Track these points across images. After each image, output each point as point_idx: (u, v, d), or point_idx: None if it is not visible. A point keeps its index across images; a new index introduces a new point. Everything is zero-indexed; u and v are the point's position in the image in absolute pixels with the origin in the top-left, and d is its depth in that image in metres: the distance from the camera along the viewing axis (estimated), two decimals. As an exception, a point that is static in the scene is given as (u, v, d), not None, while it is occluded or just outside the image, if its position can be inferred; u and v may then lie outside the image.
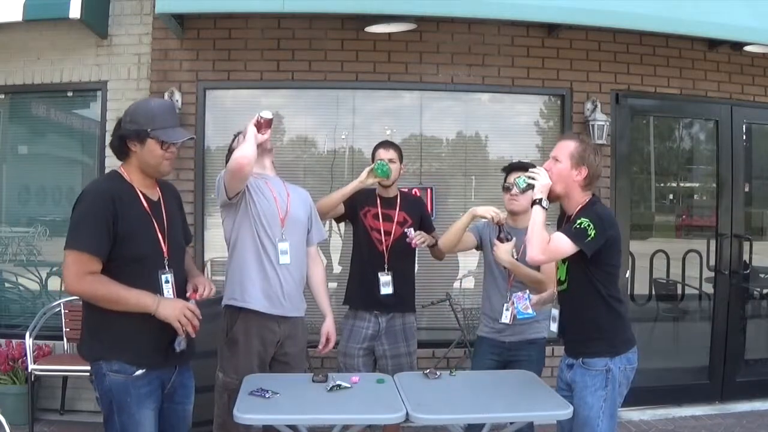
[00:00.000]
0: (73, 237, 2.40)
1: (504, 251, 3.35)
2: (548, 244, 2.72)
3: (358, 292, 3.78)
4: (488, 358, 3.60)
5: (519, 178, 2.93)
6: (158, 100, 2.63)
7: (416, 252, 3.83)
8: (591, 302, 2.79)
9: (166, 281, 2.52)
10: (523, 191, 2.96)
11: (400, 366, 3.69)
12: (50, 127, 5.23)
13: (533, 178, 2.84)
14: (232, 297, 3.26)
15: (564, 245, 2.71)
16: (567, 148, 2.85)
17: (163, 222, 2.56)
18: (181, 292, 2.59)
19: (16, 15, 4.32)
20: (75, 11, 4.33)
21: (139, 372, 2.45)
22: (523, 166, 3.61)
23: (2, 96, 5.12)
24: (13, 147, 5.25)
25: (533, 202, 2.82)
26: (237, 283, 3.25)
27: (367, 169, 3.66)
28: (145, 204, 2.53)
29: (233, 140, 3.41)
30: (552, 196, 2.86)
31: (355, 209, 3.77)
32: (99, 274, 2.39)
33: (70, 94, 5.10)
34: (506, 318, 3.48)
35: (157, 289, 2.49)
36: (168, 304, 2.45)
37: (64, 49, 4.86)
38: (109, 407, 2.47)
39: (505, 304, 3.51)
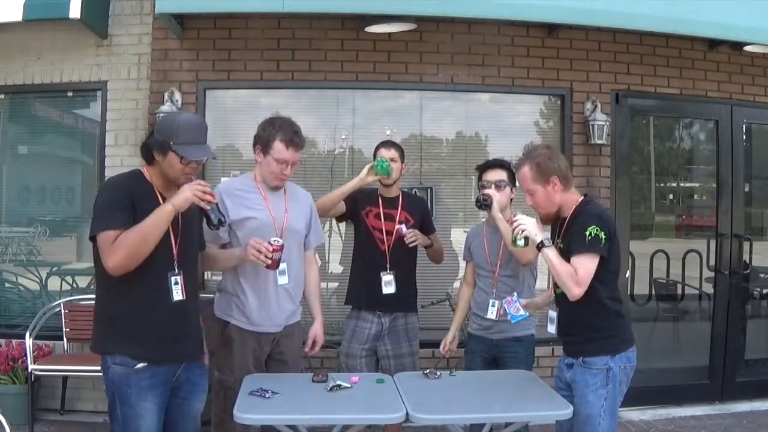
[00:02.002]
0: (96, 223, 2.47)
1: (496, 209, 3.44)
2: (578, 275, 2.70)
3: (360, 292, 3.78)
4: (477, 355, 3.64)
5: (517, 243, 2.88)
6: (187, 115, 2.65)
7: (417, 251, 3.83)
8: (591, 302, 2.78)
9: (176, 282, 2.57)
10: (527, 245, 2.90)
11: (402, 366, 3.68)
12: (50, 127, 5.23)
13: (522, 230, 2.82)
14: (228, 314, 3.23)
15: (589, 265, 2.71)
16: (526, 176, 2.86)
17: (178, 223, 2.60)
18: (190, 295, 2.62)
19: (16, 15, 4.32)
20: (75, 11, 4.33)
21: (141, 365, 2.49)
22: (499, 164, 3.63)
23: (2, 96, 5.12)
24: (13, 147, 5.24)
25: (538, 247, 2.81)
26: (233, 304, 3.21)
27: (368, 166, 3.64)
28: (162, 203, 2.57)
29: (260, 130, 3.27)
30: (551, 218, 2.90)
31: (356, 209, 3.76)
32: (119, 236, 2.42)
33: (70, 94, 5.10)
34: (492, 314, 3.52)
35: (166, 289, 2.54)
36: (177, 195, 2.52)
37: (64, 49, 4.86)
38: (112, 398, 2.54)
39: (491, 300, 3.54)
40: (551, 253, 2.77)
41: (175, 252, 2.57)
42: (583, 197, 2.89)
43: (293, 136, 3.17)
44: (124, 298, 2.51)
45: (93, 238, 2.48)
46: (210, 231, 3.21)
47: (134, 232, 2.42)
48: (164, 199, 2.59)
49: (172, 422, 2.66)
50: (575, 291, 2.71)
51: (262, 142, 3.21)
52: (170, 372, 2.60)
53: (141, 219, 2.46)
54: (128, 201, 2.47)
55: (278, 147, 3.15)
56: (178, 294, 2.57)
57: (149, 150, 2.58)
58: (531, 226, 2.81)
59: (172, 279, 2.56)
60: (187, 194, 2.51)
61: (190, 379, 2.69)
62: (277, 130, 3.17)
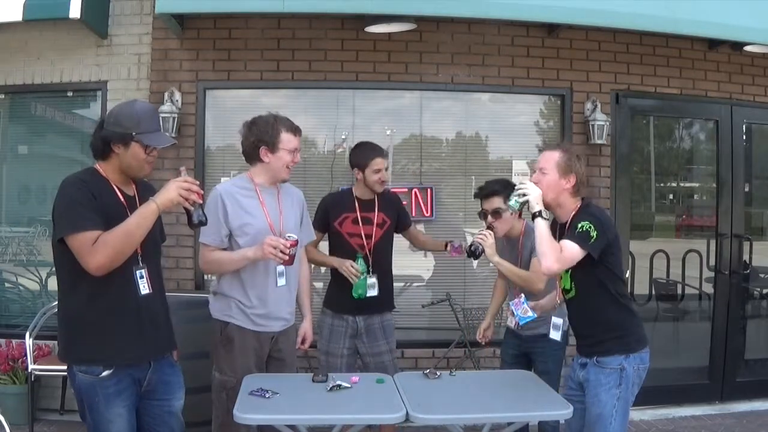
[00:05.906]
0: (66, 224, 2.40)
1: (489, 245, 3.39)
2: (562, 253, 2.70)
3: (339, 297, 3.76)
4: (510, 347, 3.74)
5: (510, 201, 2.88)
6: (142, 104, 2.62)
7: (392, 247, 3.84)
8: (602, 303, 2.80)
9: (141, 276, 2.55)
10: (520, 210, 2.92)
11: (382, 364, 3.70)
12: (50, 127, 5.22)
13: (524, 194, 2.82)
14: (228, 314, 3.23)
15: (574, 251, 2.71)
16: (552, 158, 2.85)
17: None
18: (156, 288, 2.60)
19: (16, 15, 4.32)
20: (75, 11, 4.32)
21: (106, 373, 2.47)
22: (494, 191, 3.62)
23: (2, 96, 5.12)
24: (13, 147, 5.24)
25: (533, 216, 2.80)
26: (234, 304, 3.21)
27: (349, 268, 3.61)
28: (121, 197, 2.56)
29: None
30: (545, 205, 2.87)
31: (327, 221, 3.75)
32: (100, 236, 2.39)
33: (70, 94, 5.09)
34: (510, 323, 3.51)
35: (132, 283, 2.52)
36: (161, 193, 2.47)
37: (64, 49, 4.86)
38: (81, 405, 2.53)
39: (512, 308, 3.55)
40: (545, 225, 2.75)
41: (138, 246, 2.53)
42: (581, 201, 2.88)
43: (293, 123, 3.27)
44: (93, 300, 2.48)
45: (61, 240, 2.41)
46: (213, 236, 3.22)
47: (118, 231, 2.39)
48: (123, 195, 2.56)
49: (157, 424, 2.63)
50: (554, 266, 2.69)
51: (268, 141, 3.19)
52: (139, 374, 2.56)
53: (104, 216, 2.43)
54: (93, 199, 2.43)
55: (286, 137, 3.20)
56: (145, 288, 2.55)
57: (107, 144, 2.52)
58: (535, 194, 2.79)
59: (138, 273, 2.54)
60: (172, 195, 2.45)
61: (163, 379, 2.64)
62: (278, 124, 3.22)
